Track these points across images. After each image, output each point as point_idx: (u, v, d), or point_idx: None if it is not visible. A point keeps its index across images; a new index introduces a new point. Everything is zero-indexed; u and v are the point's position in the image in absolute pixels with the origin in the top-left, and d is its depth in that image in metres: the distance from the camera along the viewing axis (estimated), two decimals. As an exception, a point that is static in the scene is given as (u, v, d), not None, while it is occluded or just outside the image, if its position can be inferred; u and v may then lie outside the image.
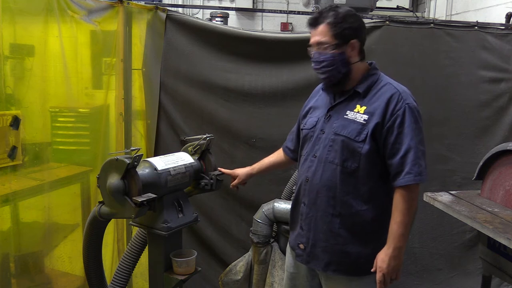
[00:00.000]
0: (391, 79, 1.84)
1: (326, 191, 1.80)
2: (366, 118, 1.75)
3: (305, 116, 1.98)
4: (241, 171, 2.14)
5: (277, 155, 2.19)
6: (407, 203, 1.70)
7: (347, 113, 1.80)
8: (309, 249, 1.86)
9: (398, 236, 1.70)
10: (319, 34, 1.77)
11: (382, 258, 1.71)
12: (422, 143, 1.73)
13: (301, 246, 1.89)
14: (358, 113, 1.77)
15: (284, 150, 2.16)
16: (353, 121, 1.77)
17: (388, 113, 1.73)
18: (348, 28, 1.76)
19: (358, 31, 1.80)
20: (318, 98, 1.97)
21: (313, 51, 1.81)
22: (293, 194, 2.00)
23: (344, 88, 1.83)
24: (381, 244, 1.75)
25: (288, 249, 2.04)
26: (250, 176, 2.15)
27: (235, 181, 2.13)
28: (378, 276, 1.71)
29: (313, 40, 1.80)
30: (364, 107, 1.77)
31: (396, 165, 1.71)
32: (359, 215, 1.78)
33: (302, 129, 1.97)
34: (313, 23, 1.79)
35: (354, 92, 1.82)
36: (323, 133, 1.84)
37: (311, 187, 1.84)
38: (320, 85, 2.03)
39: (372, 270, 1.74)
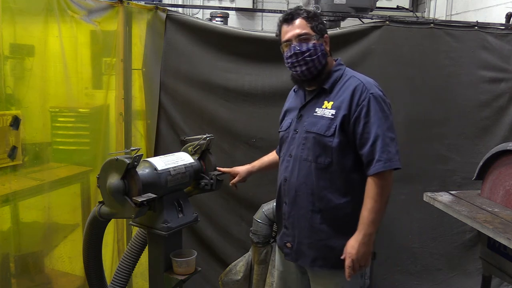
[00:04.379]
0: (356, 72, 1.89)
1: (304, 188, 1.83)
2: (334, 113, 1.79)
3: (282, 120, 2.04)
4: (241, 169, 2.15)
5: (275, 155, 2.21)
6: (378, 189, 1.72)
7: (316, 110, 1.84)
8: (296, 246, 1.88)
9: (368, 223, 1.72)
10: (298, 27, 1.83)
11: (352, 245, 1.73)
12: (390, 130, 1.75)
13: (288, 245, 1.91)
14: (326, 109, 1.82)
15: (276, 152, 2.20)
16: (321, 117, 1.81)
17: (353, 104, 1.76)
18: (321, 23, 1.86)
19: (325, 28, 1.90)
20: (292, 101, 2.03)
21: (292, 44, 1.83)
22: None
23: (321, 82, 1.87)
24: None
25: (276, 248, 2.07)
26: (250, 173, 2.16)
27: (235, 179, 2.14)
28: (348, 262, 1.72)
29: (291, 34, 1.84)
30: (331, 102, 1.82)
31: (366, 154, 1.75)
32: (339, 209, 1.80)
33: (279, 132, 2.02)
34: (291, 18, 1.85)
35: (321, 89, 1.86)
36: (296, 133, 1.88)
37: (290, 186, 1.87)
38: (293, 88, 2.07)
39: (342, 257, 1.75)
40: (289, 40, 1.84)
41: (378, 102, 1.76)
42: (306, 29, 1.82)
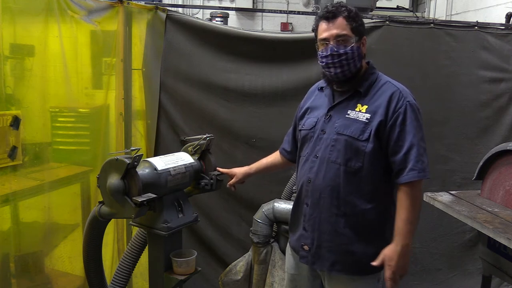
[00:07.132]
0: (389, 78, 1.86)
1: (330, 191, 1.79)
2: (369, 117, 1.75)
3: (302, 117, 1.97)
4: (239, 171, 2.14)
5: (274, 157, 2.19)
6: (411, 200, 1.71)
7: (348, 112, 1.80)
8: (314, 250, 1.85)
9: (404, 233, 1.71)
10: (338, 27, 1.76)
11: (390, 256, 1.71)
12: (423, 140, 1.74)
13: (306, 247, 1.88)
14: (360, 112, 1.78)
15: (281, 152, 2.16)
16: (355, 120, 1.77)
17: (390, 111, 1.74)
18: (362, 25, 1.81)
19: (365, 29, 1.84)
20: (315, 99, 1.97)
21: (330, 45, 1.77)
22: (295, 195, 2.00)
23: (354, 84, 1.83)
24: (385, 242, 1.75)
25: (288, 250, 2.03)
26: (247, 175, 2.15)
27: (232, 180, 2.13)
28: (388, 274, 1.71)
29: (329, 33, 1.77)
30: (365, 106, 1.78)
31: (399, 162, 1.72)
32: (364, 214, 1.78)
33: (300, 130, 1.96)
34: (332, 16, 1.77)
35: (355, 91, 1.82)
36: (324, 133, 1.83)
37: (314, 187, 1.83)
38: (315, 85, 2.02)
39: (376, 264, 1.73)
40: (326, 39, 1.78)
41: (414, 111, 1.74)
42: (346, 30, 1.75)
